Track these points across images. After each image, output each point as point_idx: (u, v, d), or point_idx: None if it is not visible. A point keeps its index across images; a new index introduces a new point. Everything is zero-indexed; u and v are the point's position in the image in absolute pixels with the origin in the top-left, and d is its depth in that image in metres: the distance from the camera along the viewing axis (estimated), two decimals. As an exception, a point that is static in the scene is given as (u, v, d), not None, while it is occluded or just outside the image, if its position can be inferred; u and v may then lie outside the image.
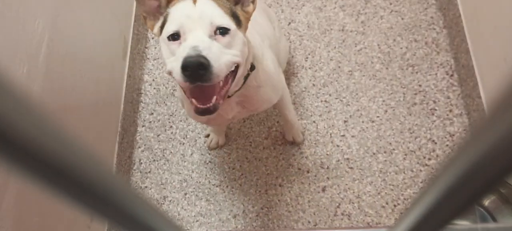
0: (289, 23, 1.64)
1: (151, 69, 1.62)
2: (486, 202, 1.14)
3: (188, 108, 1.01)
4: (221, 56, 0.75)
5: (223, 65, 0.75)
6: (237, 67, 0.81)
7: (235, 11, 0.83)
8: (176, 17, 0.79)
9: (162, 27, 0.83)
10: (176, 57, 0.75)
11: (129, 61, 1.52)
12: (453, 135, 1.39)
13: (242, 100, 0.98)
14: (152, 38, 1.68)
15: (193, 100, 0.77)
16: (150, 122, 1.53)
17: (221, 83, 0.79)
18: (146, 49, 1.66)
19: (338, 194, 1.34)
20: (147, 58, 1.64)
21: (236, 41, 0.80)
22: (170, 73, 0.79)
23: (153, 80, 1.60)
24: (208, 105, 0.77)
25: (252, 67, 0.91)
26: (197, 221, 1.36)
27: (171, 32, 0.78)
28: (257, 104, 1.02)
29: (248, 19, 0.87)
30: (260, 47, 1.00)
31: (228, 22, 0.78)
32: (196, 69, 0.71)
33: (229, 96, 0.91)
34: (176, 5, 0.81)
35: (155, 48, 1.66)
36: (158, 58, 1.64)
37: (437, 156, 1.37)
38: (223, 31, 0.77)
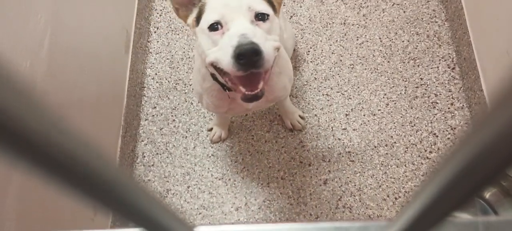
0: (291, 16, 1.64)
1: (153, 63, 1.62)
2: (487, 195, 1.15)
3: (207, 103, 1.01)
4: (266, 42, 0.75)
5: (270, 50, 0.75)
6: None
7: None
8: (215, 7, 0.78)
9: (197, 18, 0.82)
10: (221, 47, 0.75)
11: (131, 55, 1.52)
12: (454, 128, 1.40)
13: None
14: (154, 32, 1.68)
15: (241, 88, 0.77)
16: (153, 115, 1.53)
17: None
18: (149, 43, 1.66)
19: (339, 187, 1.35)
20: (150, 52, 1.64)
21: (274, 26, 0.80)
22: (212, 64, 0.79)
23: (156, 74, 1.60)
24: (256, 91, 0.77)
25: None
26: (200, 213, 1.37)
27: (211, 22, 0.77)
28: (276, 92, 1.03)
29: (280, 4, 0.87)
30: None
31: (266, 8, 0.78)
32: (250, 57, 0.71)
33: None
34: None
35: (158, 42, 1.66)
36: (160, 52, 1.64)
37: (438, 149, 1.37)
38: (263, 17, 0.77)
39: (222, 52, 0.74)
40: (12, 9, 0.90)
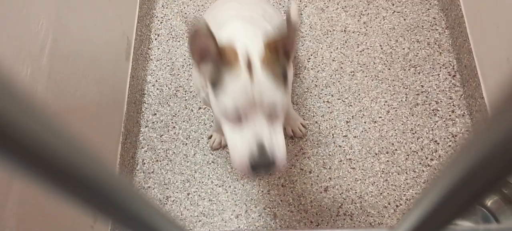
0: (292, 23, 1.64)
1: (154, 70, 1.63)
2: (489, 203, 1.14)
3: (203, 97, 1.01)
4: (282, 147, 0.77)
5: (283, 149, 0.77)
6: None
7: (285, 69, 0.81)
8: (233, 95, 0.75)
9: (212, 78, 0.79)
10: (237, 136, 0.77)
11: (132, 62, 1.52)
12: (456, 136, 1.39)
13: None
14: (155, 39, 1.69)
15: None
16: (153, 122, 1.53)
17: None
18: (149, 50, 1.67)
19: (340, 194, 1.35)
20: (150, 59, 1.65)
21: (285, 104, 0.80)
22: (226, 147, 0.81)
23: (156, 81, 1.60)
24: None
25: None
26: (199, 221, 1.37)
27: (230, 111, 0.76)
28: None
29: (290, 67, 0.88)
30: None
31: (282, 97, 0.77)
32: (264, 169, 0.74)
33: None
34: (230, 72, 0.76)
35: (158, 49, 1.67)
36: (161, 59, 1.64)
37: (439, 156, 1.37)
38: (278, 109, 0.78)
39: (237, 146, 0.76)
40: (13, 16, 0.90)
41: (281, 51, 0.79)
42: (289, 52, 0.81)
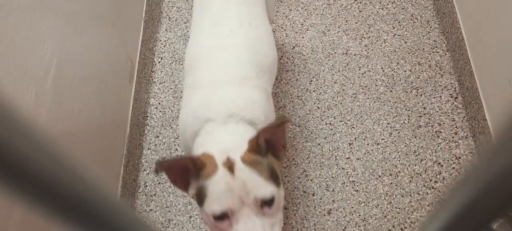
0: (293, 47, 1.66)
1: (157, 93, 1.64)
2: (494, 226, 1.13)
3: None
4: None
5: None
6: None
7: (272, 167, 0.77)
8: (218, 196, 0.73)
9: (198, 195, 0.76)
10: None
11: (135, 85, 1.53)
12: (459, 158, 1.39)
13: None
14: (159, 62, 1.70)
15: None
16: (156, 144, 1.53)
17: None
18: (153, 73, 1.68)
19: (344, 217, 1.33)
20: (153, 82, 1.66)
21: (280, 203, 0.76)
22: None
23: (159, 103, 1.61)
24: None
25: None
26: (201, 245, 1.35)
27: (218, 213, 0.73)
28: None
29: (281, 165, 0.82)
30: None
31: (271, 190, 0.74)
32: None
33: None
34: (211, 178, 0.74)
35: (161, 71, 1.68)
36: (164, 82, 1.65)
37: (443, 178, 1.36)
38: (269, 202, 0.73)
39: None
40: (19, 40, 0.92)
41: (264, 147, 0.76)
42: (277, 148, 0.79)
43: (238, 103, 0.91)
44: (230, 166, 0.73)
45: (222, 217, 0.73)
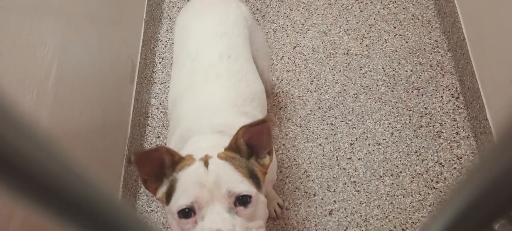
0: (295, 47, 1.66)
1: (158, 93, 1.64)
2: (496, 226, 1.12)
3: None
4: None
5: None
6: None
7: (252, 168, 0.71)
8: (187, 187, 0.66)
9: (168, 194, 0.70)
10: None
11: (136, 85, 1.53)
12: (461, 158, 1.38)
13: None
14: (160, 62, 1.71)
15: None
16: (157, 145, 1.53)
17: None
18: (154, 74, 1.68)
19: (345, 217, 1.33)
20: (154, 82, 1.66)
21: (259, 208, 0.69)
22: None
23: (160, 104, 1.61)
24: None
25: None
26: (203, 245, 1.35)
27: (182, 207, 0.65)
28: None
29: (265, 173, 0.75)
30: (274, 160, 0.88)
31: (248, 188, 0.67)
32: None
33: None
34: (184, 169, 0.69)
35: (162, 72, 1.68)
36: (165, 82, 1.65)
37: (445, 178, 1.36)
38: (244, 200, 0.66)
39: None
40: (20, 41, 0.92)
41: (245, 150, 0.71)
42: (261, 155, 0.73)
43: (225, 123, 0.87)
44: (206, 161, 0.68)
45: (188, 213, 0.64)
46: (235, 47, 1.02)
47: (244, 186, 0.66)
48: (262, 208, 0.70)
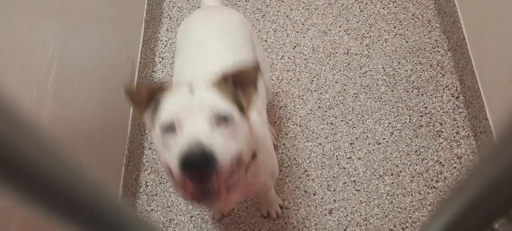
0: (295, 46, 1.66)
1: (157, 92, 1.64)
2: (496, 225, 1.12)
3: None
4: (226, 148, 0.64)
5: (229, 158, 0.64)
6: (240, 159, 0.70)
7: (238, 96, 0.73)
8: (169, 106, 0.68)
9: (154, 116, 0.71)
10: (171, 150, 0.64)
11: (136, 85, 1.53)
12: (461, 157, 1.38)
13: (240, 187, 0.82)
14: (159, 62, 1.71)
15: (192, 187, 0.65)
16: (157, 145, 1.53)
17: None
18: (153, 73, 1.68)
19: (345, 216, 1.33)
20: (154, 82, 1.66)
21: (241, 130, 0.69)
22: (168, 170, 0.67)
23: (160, 103, 1.61)
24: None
25: (254, 155, 0.79)
26: (203, 245, 1.35)
27: (164, 123, 0.66)
28: (255, 186, 0.93)
29: (249, 103, 0.76)
30: (261, 129, 0.89)
31: (230, 108, 0.68)
32: (198, 166, 0.60)
33: None
34: (170, 93, 0.71)
35: (162, 72, 1.68)
36: (165, 82, 1.65)
37: (445, 178, 1.36)
38: (226, 119, 0.66)
39: (172, 157, 0.63)
40: (20, 42, 0.92)
41: (231, 83, 0.73)
42: (247, 91, 0.74)
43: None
44: (191, 87, 0.71)
45: (171, 129, 0.65)
46: (239, 44, 1.05)
47: (227, 107, 0.68)
48: (244, 132, 0.70)
